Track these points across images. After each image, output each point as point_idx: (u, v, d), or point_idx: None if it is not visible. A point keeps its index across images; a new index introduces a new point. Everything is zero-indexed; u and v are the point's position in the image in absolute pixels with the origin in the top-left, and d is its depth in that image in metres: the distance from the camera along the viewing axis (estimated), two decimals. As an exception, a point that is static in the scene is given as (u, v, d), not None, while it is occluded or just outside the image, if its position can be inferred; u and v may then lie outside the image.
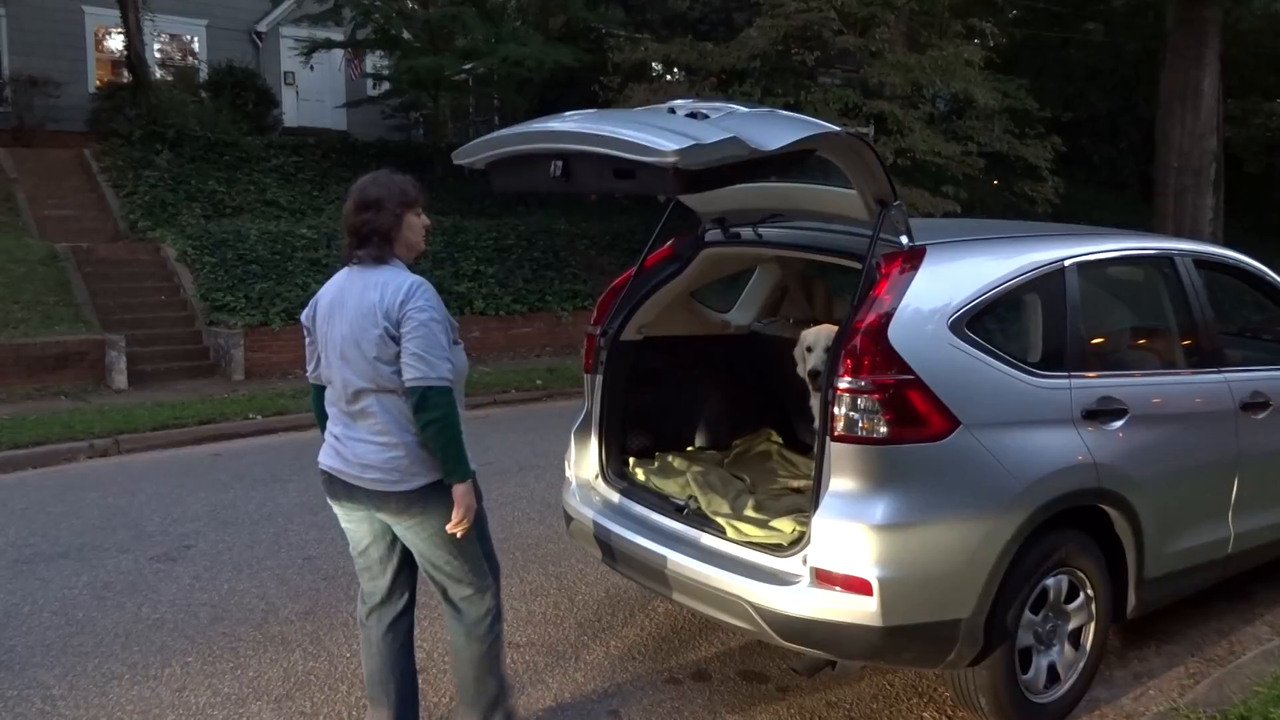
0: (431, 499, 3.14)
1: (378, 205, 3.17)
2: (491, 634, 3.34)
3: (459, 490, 3.10)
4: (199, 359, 11.58)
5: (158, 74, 19.08)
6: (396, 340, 3.06)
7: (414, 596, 3.47)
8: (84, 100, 18.00)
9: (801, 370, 4.06)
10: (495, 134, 3.50)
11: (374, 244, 3.15)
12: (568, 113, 3.51)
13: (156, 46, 20.01)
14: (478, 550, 3.29)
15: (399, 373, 3.06)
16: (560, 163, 3.18)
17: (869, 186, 3.35)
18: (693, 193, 4.05)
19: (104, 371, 10.64)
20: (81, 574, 5.23)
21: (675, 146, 2.74)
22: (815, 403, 4.13)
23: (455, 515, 3.11)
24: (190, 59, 21.09)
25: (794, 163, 3.20)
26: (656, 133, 2.84)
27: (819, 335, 4.03)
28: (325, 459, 3.27)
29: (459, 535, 3.15)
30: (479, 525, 3.27)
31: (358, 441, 3.17)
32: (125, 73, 17.64)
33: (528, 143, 3.32)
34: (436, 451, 3.08)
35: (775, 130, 2.93)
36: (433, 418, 3.02)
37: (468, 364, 3.35)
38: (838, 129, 3.10)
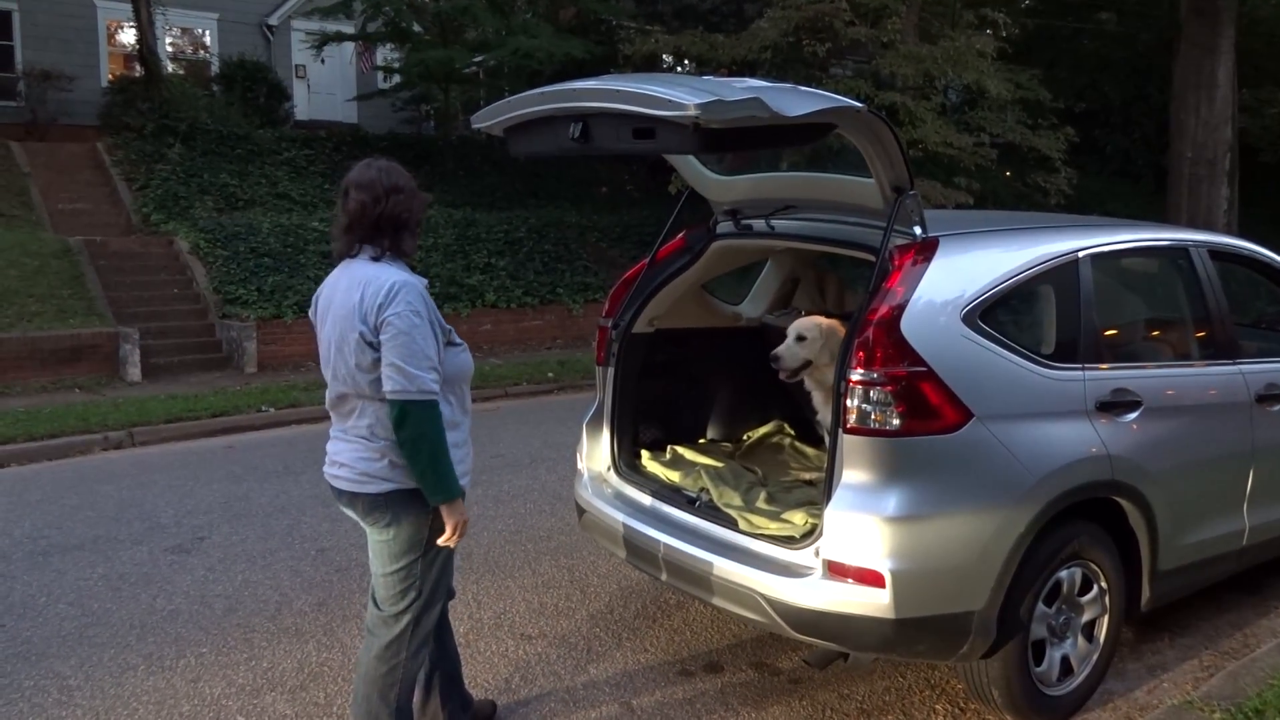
0: (400, 508, 2.99)
1: (409, 190, 2.98)
2: (393, 662, 3.11)
3: (445, 510, 2.95)
4: (212, 352, 11.62)
5: (169, 68, 19.10)
6: (375, 347, 2.86)
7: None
8: (96, 94, 18.05)
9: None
10: (514, 97, 3.46)
11: (405, 231, 2.96)
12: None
13: (168, 40, 20.04)
14: (427, 578, 3.09)
15: (378, 381, 2.88)
16: (579, 124, 3.17)
17: (886, 171, 3.34)
18: (711, 153, 4.05)
19: (118, 364, 10.69)
20: (97, 565, 5.27)
21: (697, 100, 2.73)
22: (818, 400, 4.17)
23: (447, 531, 2.97)
24: (202, 52, 21.13)
25: (813, 136, 3.20)
26: (678, 88, 2.84)
27: (805, 327, 4.09)
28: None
29: (451, 545, 3.04)
30: (444, 551, 3.09)
31: (338, 439, 3.08)
32: (137, 67, 17.65)
33: (547, 103, 3.30)
34: (414, 470, 2.91)
35: (798, 99, 2.93)
36: (410, 436, 2.85)
37: (470, 364, 3.18)
38: (859, 105, 3.09)
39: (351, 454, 3.02)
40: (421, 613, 3.11)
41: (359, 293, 2.89)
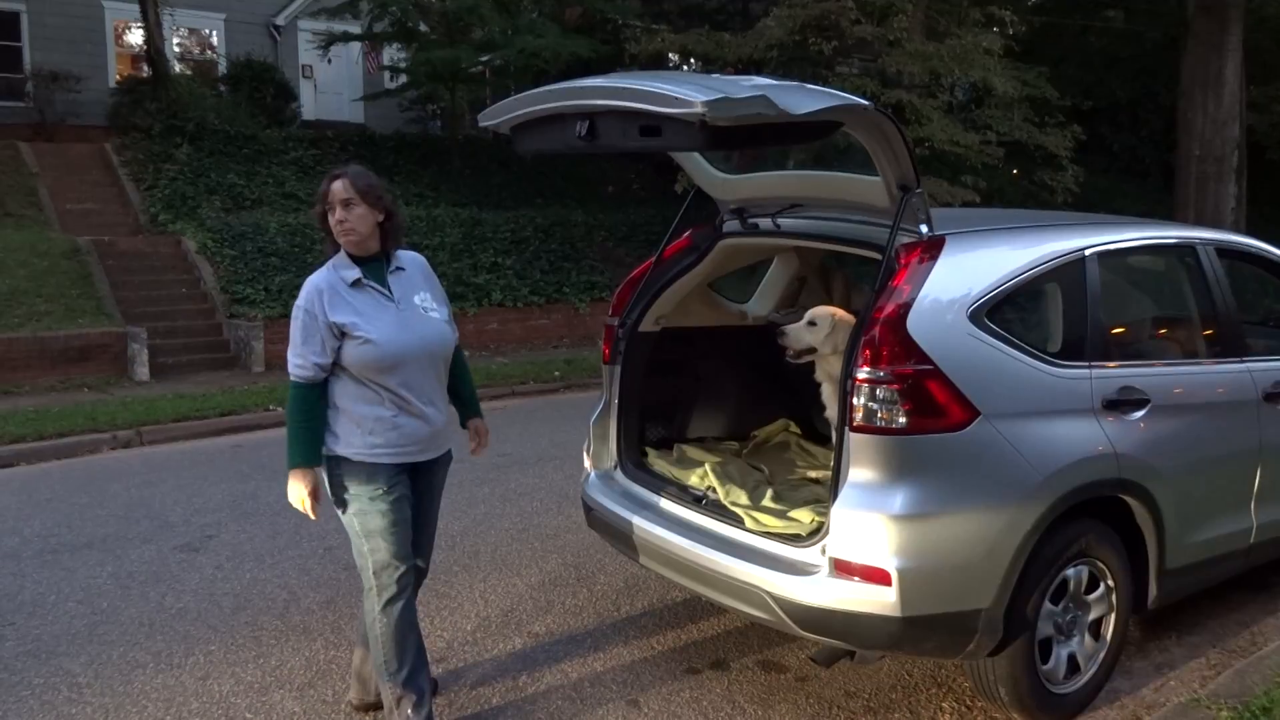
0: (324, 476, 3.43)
1: (319, 196, 3.48)
2: (370, 617, 3.42)
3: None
4: (219, 351, 11.66)
5: (177, 68, 19.18)
6: None
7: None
8: (104, 95, 18.10)
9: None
10: (521, 95, 3.48)
11: (325, 231, 3.50)
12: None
13: (175, 40, 20.12)
14: (355, 533, 3.39)
15: None
16: (586, 122, 3.18)
17: (892, 169, 3.34)
18: (718, 150, 4.05)
19: (126, 363, 10.74)
20: (106, 564, 5.29)
21: (704, 98, 2.74)
22: (827, 393, 4.17)
23: None
24: (209, 53, 21.19)
25: (819, 134, 3.20)
26: (685, 86, 2.85)
27: (819, 314, 4.10)
28: None
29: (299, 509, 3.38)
30: (368, 514, 3.34)
31: None
32: (145, 67, 17.74)
33: (554, 101, 3.31)
34: None
35: (804, 97, 2.93)
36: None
37: (373, 354, 3.30)
38: (865, 103, 3.09)
39: None
40: (374, 570, 3.38)
41: None
